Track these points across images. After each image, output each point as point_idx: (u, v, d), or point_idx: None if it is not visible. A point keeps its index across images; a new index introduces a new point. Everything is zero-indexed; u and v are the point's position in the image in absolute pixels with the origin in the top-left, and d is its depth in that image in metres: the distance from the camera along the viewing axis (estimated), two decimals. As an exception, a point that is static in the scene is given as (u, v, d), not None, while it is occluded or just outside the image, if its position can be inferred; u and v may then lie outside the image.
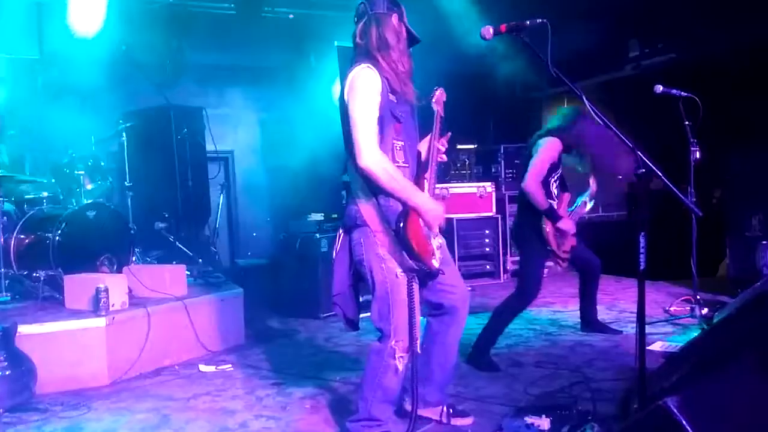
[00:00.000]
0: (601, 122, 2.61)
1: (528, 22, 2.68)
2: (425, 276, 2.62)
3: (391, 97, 2.59)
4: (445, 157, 2.90)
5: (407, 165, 2.64)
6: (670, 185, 2.55)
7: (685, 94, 4.65)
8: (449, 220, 7.35)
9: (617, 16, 6.32)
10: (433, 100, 2.94)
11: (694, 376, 2.78)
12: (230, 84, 7.07)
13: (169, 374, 4.16)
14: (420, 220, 2.57)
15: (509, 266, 7.77)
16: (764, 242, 5.24)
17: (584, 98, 2.62)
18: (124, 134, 5.31)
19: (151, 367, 4.18)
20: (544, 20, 2.62)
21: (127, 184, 5.29)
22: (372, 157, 2.46)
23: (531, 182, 4.13)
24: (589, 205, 4.54)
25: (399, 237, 2.48)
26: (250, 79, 6.96)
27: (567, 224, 4.22)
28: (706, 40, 6.22)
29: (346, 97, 2.57)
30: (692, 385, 2.46)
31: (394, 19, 2.65)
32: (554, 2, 5.48)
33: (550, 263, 4.40)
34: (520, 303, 4.25)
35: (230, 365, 4.31)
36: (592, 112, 2.58)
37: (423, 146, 2.88)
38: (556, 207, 4.28)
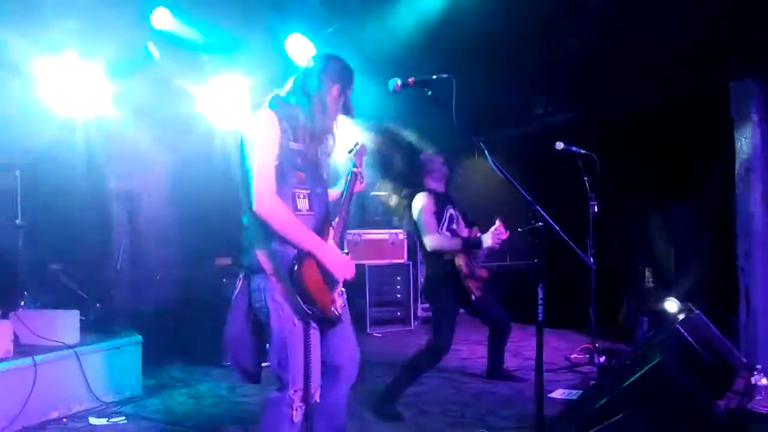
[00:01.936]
0: (502, 175, 2.70)
1: (434, 77, 2.78)
2: (324, 323, 2.56)
3: (294, 145, 2.56)
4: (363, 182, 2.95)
5: (312, 213, 2.60)
6: (566, 238, 2.66)
7: (584, 151, 4.89)
8: (360, 266, 7.36)
9: (525, 74, 6.64)
10: (352, 153, 2.97)
11: (589, 425, 2.86)
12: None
13: (55, 428, 3.87)
14: (317, 265, 2.53)
15: (420, 313, 7.82)
16: (644, 318, 5.56)
17: (486, 152, 2.72)
18: (17, 170, 5.01)
19: (36, 421, 3.87)
20: (449, 76, 2.73)
21: (18, 222, 4.96)
22: (266, 203, 2.43)
23: (432, 241, 4.19)
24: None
25: (293, 280, 2.42)
26: (160, 118, 6.77)
27: (488, 241, 4.19)
28: (603, 101, 6.63)
29: (243, 140, 2.55)
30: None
31: (335, 90, 2.67)
32: (465, 60, 5.72)
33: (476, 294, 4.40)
34: (432, 357, 4.25)
35: (124, 417, 4.06)
36: (492, 165, 2.67)
37: (333, 194, 2.88)
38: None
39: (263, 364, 2.70)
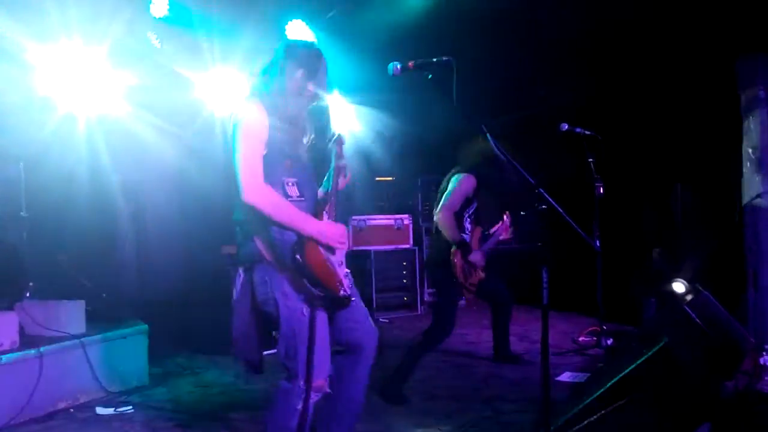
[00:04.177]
0: (504, 158, 2.66)
1: (434, 60, 2.72)
2: (335, 304, 2.54)
3: (280, 133, 2.54)
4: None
5: (303, 199, 2.58)
6: (570, 221, 2.62)
7: (588, 132, 4.84)
8: (366, 252, 7.35)
9: (528, 55, 6.58)
10: (331, 144, 2.89)
11: (596, 408, 2.84)
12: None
13: (62, 418, 3.88)
14: (320, 247, 2.51)
15: (426, 298, 7.81)
16: (651, 299, 5.54)
17: (488, 135, 2.68)
18: (21, 161, 5.00)
19: (43, 412, 3.88)
20: (450, 58, 2.67)
21: (22, 213, 4.96)
22: (255, 190, 2.42)
23: (444, 214, 4.22)
24: (504, 236, 4.63)
25: (299, 266, 2.41)
26: (162, 108, 6.74)
27: (476, 257, 4.33)
28: (608, 81, 6.55)
29: (229, 131, 2.53)
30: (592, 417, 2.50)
31: (299, 74, 2.62)
32: (467, 42, 5.66)
33: (467, 297, 4.45)
34: (435, 337, 4.27)
35: (131, 407, 4.07)
36: (495, 149, 2.63)
37: (320, 194, 2.83)
38: (468, 240, 4.36)
39: (267, 352, 2.69)
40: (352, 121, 7.74)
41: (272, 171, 2.49)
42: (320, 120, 2.94)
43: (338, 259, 2.62)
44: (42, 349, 3.91)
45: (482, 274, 4.43)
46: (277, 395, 2.57)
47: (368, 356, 2.76)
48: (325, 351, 2.54)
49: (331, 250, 2.58)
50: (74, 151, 5.81)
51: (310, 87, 2.65)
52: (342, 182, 2.84)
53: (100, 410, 4.00)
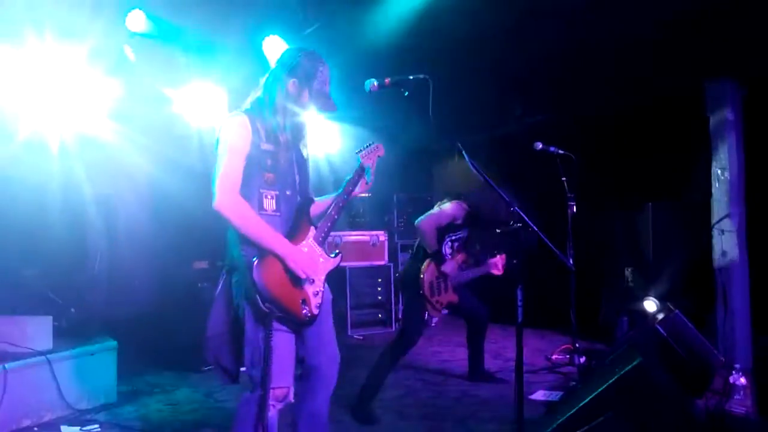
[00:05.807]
0: (480, 177, 2.68)
1: (411, 77, 2.75)
2: (288, 322, 2.50)
3: (265, 146, 2.53)
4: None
5: (278, 213, 2.55)
6: (545, 240, 2.64)
7: (562, 151, 4.89)
8: (341, 268, 7.31)
9: (503, 75, 6.64)
10: (361, 153, 2.86)
11: (570, 426, 2.85)
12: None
13: (26, 437, 3.78)
14: (281, 265, 2.47)
15: (401, 315, 7.78)
16: (624, 318, 5.62)
17: (464, 153, 2.69)
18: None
19: (6, 429, 3.77)
20: (426, 76, 2.70)
21: (-12, 227, 4.86)
22: (226, 200, 2.40)
23: (426, 222, 4.24)
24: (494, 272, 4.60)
25: (251, 278, 2.38)
26: (137, 121, 6.67)
27: (448, 267, 4.36)
28: (581, 102, 6.65)
29: (217, 142, 2.53)
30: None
31: (291, 85, 2.58)
32: (443, 61, 5.70)
33: (432, 314, 4.42)
34: (400, 347, 4.28)
35: (97, 425, 3.97)
36: (471, 166, 2.65)
37: (327, 200, 2.80)
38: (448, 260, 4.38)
39: (242, 369, 2.64)
40: (328, 138, 7.74)
41: (250, 181, 2.48)
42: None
43: (306, 278, 2.55)
44: (7, 365, 3.81)
45: (454, 297, 4.44)
46: (239, 408, 2.54)
47: (327, 382, 2.69)
48: (286, 360, 2.50)
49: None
50: (45, 162, 5.71)
51: (305, 96, 2.60)
52: (363, 186, 2.82)
53: (65, 429, 3.89)
